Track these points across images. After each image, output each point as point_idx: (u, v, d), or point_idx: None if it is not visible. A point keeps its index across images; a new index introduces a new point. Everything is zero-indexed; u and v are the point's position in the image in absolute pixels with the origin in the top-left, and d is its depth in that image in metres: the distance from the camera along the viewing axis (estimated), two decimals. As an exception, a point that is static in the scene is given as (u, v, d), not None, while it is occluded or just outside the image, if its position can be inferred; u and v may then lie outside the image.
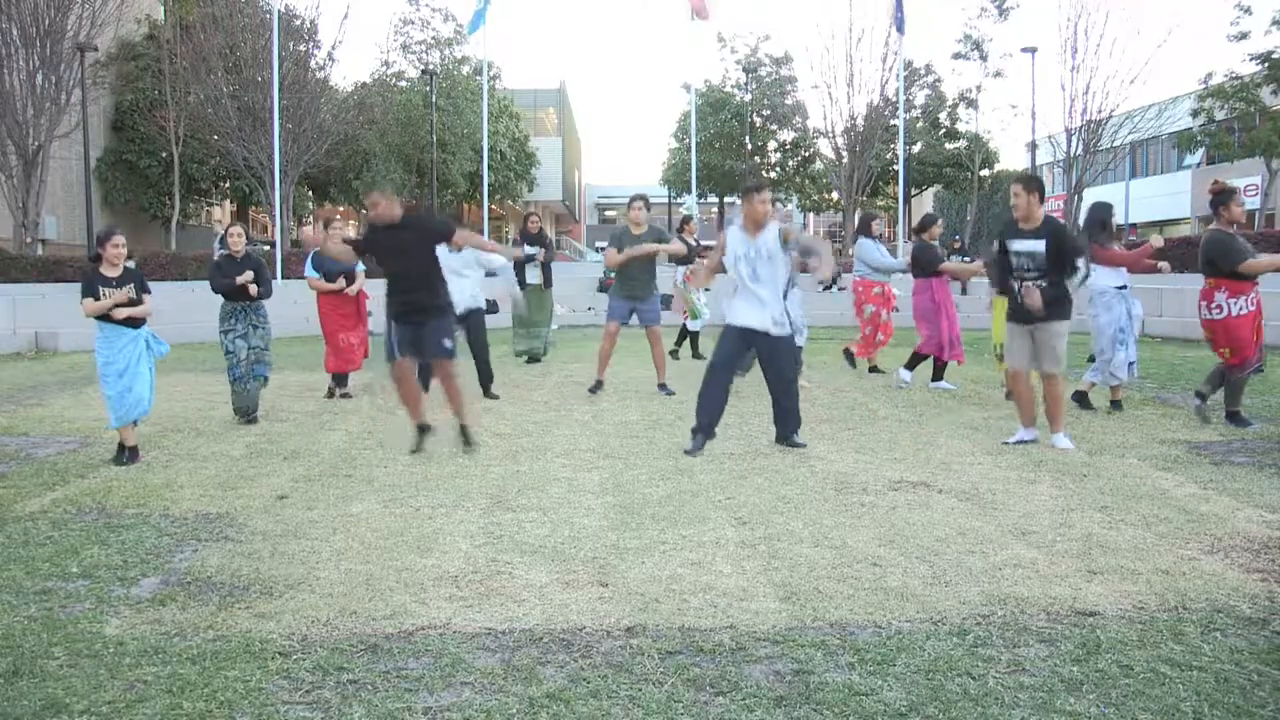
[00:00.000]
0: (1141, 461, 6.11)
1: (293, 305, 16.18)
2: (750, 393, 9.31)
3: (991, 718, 2.79)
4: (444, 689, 3.01)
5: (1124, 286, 7.99)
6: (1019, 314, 6.56)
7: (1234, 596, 3.70)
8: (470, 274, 8.99)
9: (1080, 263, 6.49)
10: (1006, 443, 6.65)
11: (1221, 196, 7.23)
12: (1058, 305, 6.43)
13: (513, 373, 11.17)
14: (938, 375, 9.66)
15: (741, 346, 6.63)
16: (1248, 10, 28.82)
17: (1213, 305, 7.19)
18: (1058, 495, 5.28)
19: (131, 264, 6.65)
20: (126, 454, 6.44)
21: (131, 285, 6.44)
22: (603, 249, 42.29)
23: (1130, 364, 8.05)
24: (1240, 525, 4.65)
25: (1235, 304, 7.10)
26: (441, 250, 8.93)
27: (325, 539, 4.58)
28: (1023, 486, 5.48)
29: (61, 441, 7.20)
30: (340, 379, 9.34)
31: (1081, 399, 8.08)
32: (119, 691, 3.00)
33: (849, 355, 10.95)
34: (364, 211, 9.41)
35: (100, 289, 6.35)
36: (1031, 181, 6.57)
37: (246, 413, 7.93)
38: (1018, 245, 6.50)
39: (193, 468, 6.24)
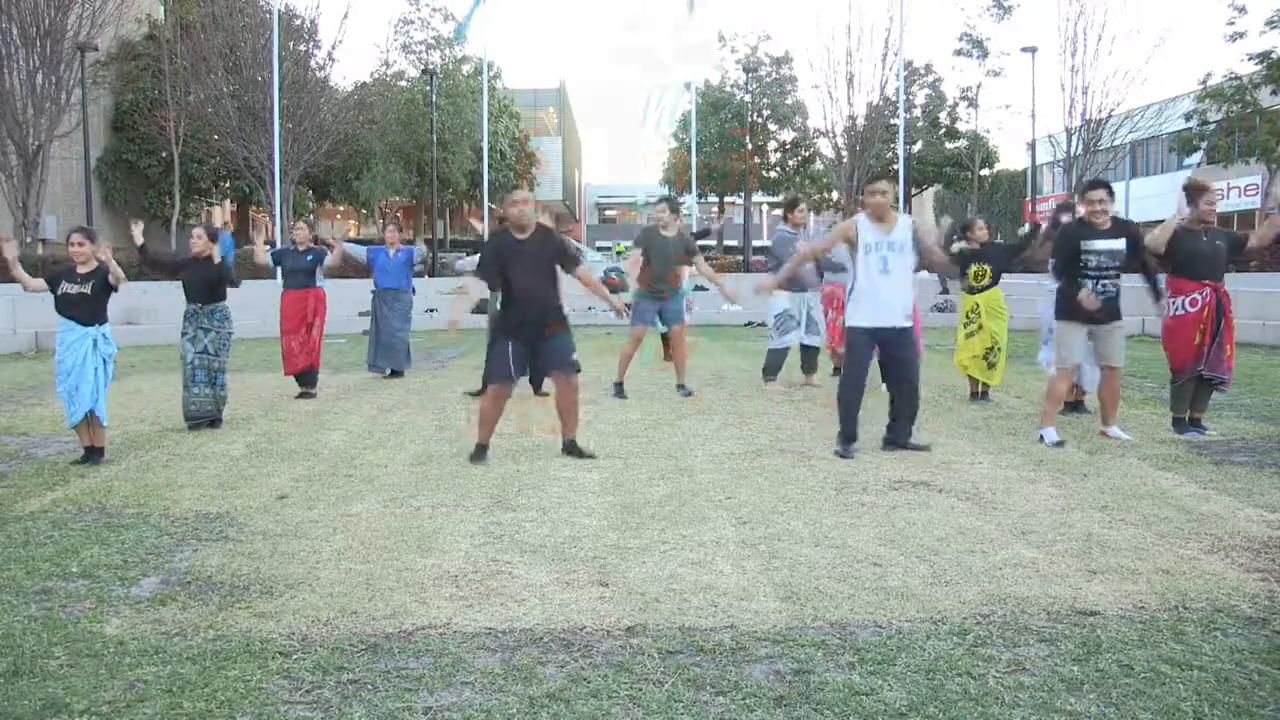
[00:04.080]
0: (1141, 461, 6.11)
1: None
2: (751, 391, 9.31)
3: (991, 717, 2.79)
4: (444, 689, 3.01)
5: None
6: (1082, 313, 6.55)
7: (1234, 596, 3.70)
8: None
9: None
10: (1058, 444, 6.54)
11: (1190, 194, 6.93)
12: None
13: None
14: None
15: (870, 351, 6.42)
16: (1243, 10, 28.81)
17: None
18: (1058, 495, 5.28)
19: (101, 260, 6.50)
20: (86, 454, 6.41)
21: (91, 284, 6.42)
22: (604, 249, 41.80)
23: (1050, 363, 7.73)
24: (1240, 525, 4.65)
25: (1174, 304, 6.90)
26: None
27: (325, 539, 4.58)
28: (1023, 486, 5.48)
29: (61, 441, 7.20)
30: (302, 379, 9.52)
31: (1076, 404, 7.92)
32: (119, 691, 3.00)
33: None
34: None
35: (61, 281, 6.46)
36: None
37: (193, 419, 7.59)
38: (1098, 245, 6.49)
39: (193, 467, 6.24)
